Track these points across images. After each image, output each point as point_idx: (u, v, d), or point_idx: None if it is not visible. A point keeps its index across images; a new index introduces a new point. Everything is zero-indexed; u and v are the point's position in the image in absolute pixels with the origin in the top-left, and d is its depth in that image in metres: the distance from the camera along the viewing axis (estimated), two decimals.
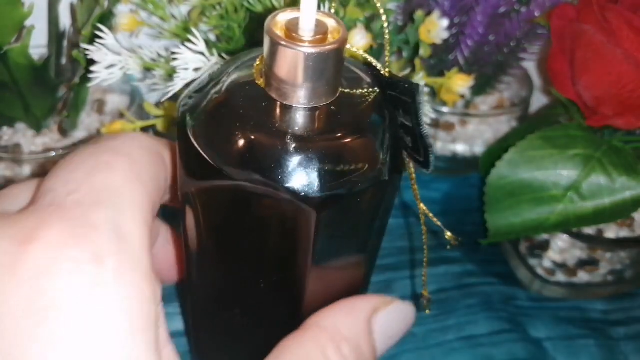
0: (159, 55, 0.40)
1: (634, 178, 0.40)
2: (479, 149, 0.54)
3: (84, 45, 0.39)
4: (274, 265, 0.25)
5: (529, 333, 0.44)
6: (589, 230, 0.44)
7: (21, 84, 0.42)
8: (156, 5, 0.41)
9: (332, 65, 0.22)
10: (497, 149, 0.44)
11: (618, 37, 0.38)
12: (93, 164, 0.22)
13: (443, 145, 0.53)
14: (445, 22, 0.42)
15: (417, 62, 0.43)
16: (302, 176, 0.21)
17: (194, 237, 0.26)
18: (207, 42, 0.42)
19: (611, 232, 0.45)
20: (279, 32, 0.21)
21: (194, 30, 0.35)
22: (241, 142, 0.22)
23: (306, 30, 0.21)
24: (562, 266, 0.46)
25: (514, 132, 0.52)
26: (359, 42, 0.38)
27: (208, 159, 0.22)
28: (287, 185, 0.21)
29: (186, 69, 0.35)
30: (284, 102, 0.22)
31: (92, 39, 0.39)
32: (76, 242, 0.18)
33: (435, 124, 0.53)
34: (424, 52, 0.43)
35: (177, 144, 0.24)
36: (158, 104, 0.41)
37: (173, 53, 0.35)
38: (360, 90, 0.24)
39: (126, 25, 0.41)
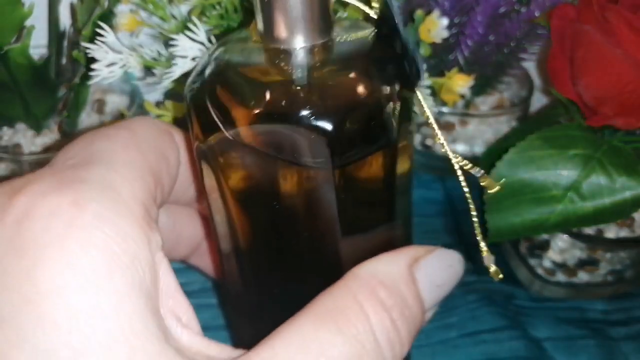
0: (159, 53, 0.40)
1: (634, 178, 0.40)
2: (479, 149, 0.54)
3: (84, 45, 0.39)
4: (303, 237, 0.25)
5: (529, 333, 0.45)
6: (589, 230, 0.44)
7: (21, 84, 0.42)
8: (156, 5, 0.41)
9: (323, 2, 0.22)
10: (497, 149, 0.44)
11: (618, 37, 0.38)
12: (95, 135, 0.23)
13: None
14: (445, 22, 0.42)
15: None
16: (311, 111, 0.22)
17: (219, 204, 0.26)
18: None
19: (611, 232, 0.45)
20: None
21: (194, 19, 0.35)
22: (250, 90, 0.23)
23: None
24: (562, 266, 0.46)
25: (513, 132, 0.52)
26: None
27: (227, 119, 0.23)
28: (300, 119, 0.22)
29: (185, 57, 0.35)
30: (282, 47, 0.23)
31: (92, 38, 0.39)
32: (58, 191, 0.19)
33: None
34: (424, 51, 0.43)
35: (189, 116, 0.24)
36: (158, 104, 0.41)
37: (171, 44, 0.35)
38: (357, 30, 0.25)
39: (126, 25, 0.42)
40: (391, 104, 0.24)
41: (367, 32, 0.25)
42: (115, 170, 0.21)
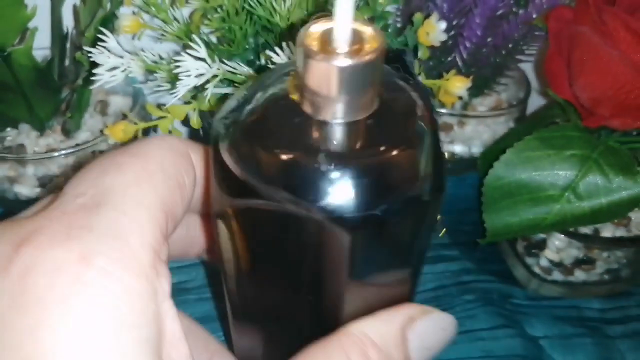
0: (161, 57, 0.40)
1: (630, 178, 0.41)
2: (476, 149, 0.54)
3: (86, 47, 0.39)
4: (310, 283, 0.25)
5: (526, 331, 0.45)
6: (586, 230, 0.45)
7: (24, 85, 0.42)
8: (158, 8, 0.41)
9: (369, 78, 0.21)
10: (495, 150, 0.44)
11: (614, 39, 0.38)
12: (106, 166, 0.22)
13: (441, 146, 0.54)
14: (443, 25, 0.42)
15: (416, 63, 0.44)
16: (334, 196, 0.20)
17: (229, 251, 0.26)
18: (209, 45, 0.42)
19: (607, 231, 0.45)
20: (313, 44, 0.20)
21: (194, 37, 0.35)
22: (273, 160, 0.21)
23: (341, 41, 0.20)
24: (558, 265, 0.46)
25: (511, 132, 0.52)
26: None
27: (241, 177, 0.22)
28: (319, 205, 0.20)
29: (188, 76, 0.35)
30: (319, 118, 0.21)
31: (95, 40, 0.39)
32: (64, 244, 0.19)
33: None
34: (422, 54, 0.44)
35: (211, 162, 0.23)
36: (160, 105, 0.42)
37: (175, 60, 0.35)
38: (399, 101, 0.23)
39: (128, 28, 0.42)
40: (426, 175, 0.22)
41: (411, 105, 0.23)
42: (125, 214, 0.20)
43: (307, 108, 0.21)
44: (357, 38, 0.20)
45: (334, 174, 0.20)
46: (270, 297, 0.27)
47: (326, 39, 0.20)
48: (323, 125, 0.21)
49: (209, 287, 0.46)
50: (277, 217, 0.22)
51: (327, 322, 0.25)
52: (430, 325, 0.24)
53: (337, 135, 0.21)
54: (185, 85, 0.35)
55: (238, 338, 0.32)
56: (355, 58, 0.20)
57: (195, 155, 0.25)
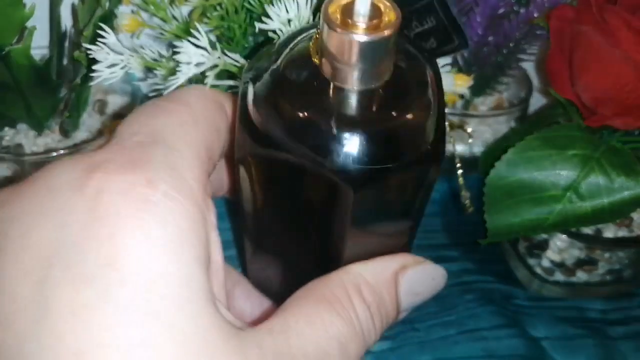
0: (160, 54, 0.40)
1: (633, 178, 0.40)
2: (478, 149, 0.54)
3: (85, 46, 0.39)
4: (317, 227, 0.28)
5: (528, 332, 0.45)
6: (588, 230, 0.45)
7: (23, 85, 0.42)
8: (157, 7, 0.41)
9: (384, 51, 0.22)
10: (496, 149, 0.44)
11: (616, 38, 0.38)
12: (154, 110, 0.25)
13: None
14: None
15: None
16: (342, 154, 0.23)
17: (248, 193, 0.28)
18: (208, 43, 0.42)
19: (610, 231, 0.45)
20: (335, 15, 0.22)
21: (197, 24, 0.35)
22: (292, 118, 0.23)
23: (360, 16, 0.21)
24: (560, 266, 0.46)
25: (512, 132, 0.52)
26: None
27: (262, 129, 0.24)
28: (329, 161, 0.23)
29: (188, 63, 0.35)
30: (336, 83, 0.23)
31: (94, 39, 0.39)
32: (132, 170, 0.21)
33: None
34: None
35: (237, 111, 0.25)
36: None
37: (174, 51, 0.35)
38: (411, 70, 0.25)
39: (127, 26, 0.42)
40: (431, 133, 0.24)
41: (421, 73, 0.25)
42: (176, 150, 0.23)
43: (326, 73, 0.23)
44: (375, 12, 0.22)
45: (344, 135, 0.23)
46: (282, 234, 0.30)
47: (348, 10, 0.22)
48: (339, 90, 0.23)
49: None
50: (292, 167, 0.24)
51: (331, 260, 0.28)
52: (421, 273, 0.27)
53: (351, 101, 0.23)
54: (185, 73, 0.35)
55: (253, 267, 0.35)
56: (373, 33, 0.21)
57: (228, 104, 0.27)
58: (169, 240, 0.20)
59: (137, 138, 0.23)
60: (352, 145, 0.23)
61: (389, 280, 0.26)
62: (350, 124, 0.23)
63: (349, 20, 0.22)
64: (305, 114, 0.23)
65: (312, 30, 0.25)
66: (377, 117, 0.24)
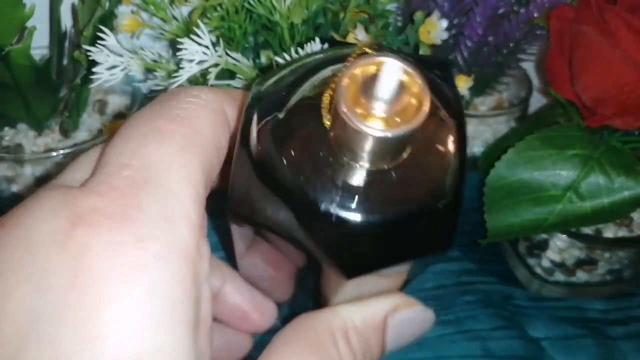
0: (160, 55, 0.40)
1: (633, 178, 0.40)
2: (478, 149, 0.54)
3: (85, 46, 0.39)
4: (306, 276, 0.26)
5: (528, 332, 0.45)
6: (588, 230, 0.44)
7: (23, 85, 0.42)
8: (157, 7, 0.41)
9: (405, 141, 0.20)
10: (496, 149, 0.44)
11: (616, 38, 0.38)
12: (146, 132, 0.22)
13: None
14: (444, 23, 0.42)
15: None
16: (338, 239, 0.20)
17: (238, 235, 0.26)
18: None
19: (610, 231, 0.45)
20: (351, 92, 0.19)
21: (200, 22, 0.35)
22: (289, 192, 0.21)
23: (382, 102, 0.19)
24: (560, 266, 0.46)
25: (512, 132, 0.52)
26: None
27: (261, 187, 0.21)
28: (323, 242, 0.20)
29: (191, 61, 0.35)
30: (344, 159, 0.20)
31: (94, 39, 0.39)
32: (121, 225, 0.19)
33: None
34: (423, 52, 0.44)
35: (239, 134, 0.23)
36: None
37: (177, 48, 0.35)
38: (433, 138, 0.22)
39: (127, 26, 0.42)
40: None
41: (446, 146, 0.22)
42: (172, 193, 0.21)
43: (334, 144, 0.20)
44: (401, 91, 0.19)
45: (344, 219, 0.20)
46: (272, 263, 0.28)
47: (367, 88, 0.19)
48: (345, 166, 0.20)
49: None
50: (282, 232, 0.21)
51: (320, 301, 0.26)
52: (410, 317, 0.25)
53: (357, 181, 0.20)
54: (187, 71, 0.35)
55: (243, 268, 0.33)
56: (394, 127, 0.18)
57: (231, 109, 0.25)
58: (158, 310, 0.19)
59: (127, 173, 0.20)
60: (351, 231, 0.20)
61: (378, 325, 0.24)
62: (353, 208, 0.20)
63: (368, 103, 0.19)
64: (305, 184, 0.20)
65: (336, 67, 0.22)
66: (384, 202, 0.20)
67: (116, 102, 0.50)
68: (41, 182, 0.45)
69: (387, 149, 0.19)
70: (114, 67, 0.37)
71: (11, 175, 0.45)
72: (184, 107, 0.23)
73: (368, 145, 0.19)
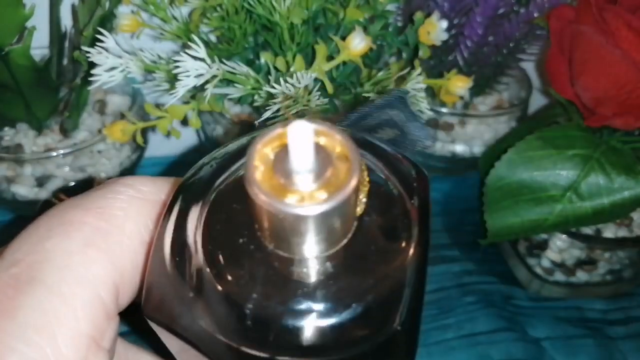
0: (160, 57, 0.40)
1: (633, 178, 0.40)
2: (478, 149, 0.54)
3: (85, 47, 0.39)
4: None
5: (528, 333, 0.45)
6: (588, 230, 0.44)
7: (22, 85, 0.42)
8: (157, 7, 0.41)
9: (342, 212, 0.16)
10: (496, 150, 0.44)
11: (616, 38, 0.38)
12: (54, 224, 0.19)
13: (442, 145, 0.54)
14: (444, 24, 0.42)
15: (417, 63, 0.44)
16: (271, 342, 0.17)
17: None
18: (208, 44, 0.42)
19: (610, 231, 0.45)
20: (262, 171, 0.16)
21: (194, 37, 0.35)
22: (212, 292, 0.17)
23: (301, 175, 0.15)
24: (560, 266, 0.46)
25: (512, 132, 0.52)
26: (357, 45, 0.38)
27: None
28: (254, 348, 0.17)
29: (187, 76, 0.35)
30: (274, 251, 0.17)
31: (94, 40, 0.39)
32: None
33: (435, 124, 0.53)
34: (423, 53, 0.44)
35: (162, 218, 0.19)
36: (159, 105, 0.41)
37: (175, 61, 0.35)
38: (381, 219, 0.18)
39: (127, 27, 0.42)
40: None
41: (395, 220, 0.19)
42: (59, 295, 0.18)
43: (261, 236, 0.17)
44: (323, 159, 0.15)
45: (289, 326, 0.17)
46: None
47: (282, 164, 0.15)
48: (278, 259, 0.17)
49: None
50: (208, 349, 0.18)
51: None
52: None
53: (292, 273, 0.17)
54: (184, 86, 0.35)
55: None
56: (322, 199, 0.15)
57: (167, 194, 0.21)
58: None
59: (14, 270, 0.18)
60: (298, 338, 0.17)
61: None
62: (296, 310, 0.17)
63: (283, 181, 0.15)
64: (226, 283, 0.17)
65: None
66: (325, 295, 0.17)
67: (116, 102, 0.50)
68: (41, 182, 0.45)
69: (321, 229, 0.16)
70: (113, 68, 0.37)
71: (11, 175, 0.45)
72: (109, 197, 0.20)
73: (296, 230, 0.16)
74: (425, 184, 0.20)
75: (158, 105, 0.40)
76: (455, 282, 0.47)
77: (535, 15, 0.46)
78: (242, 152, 0.19)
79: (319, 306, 0.17)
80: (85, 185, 0.42)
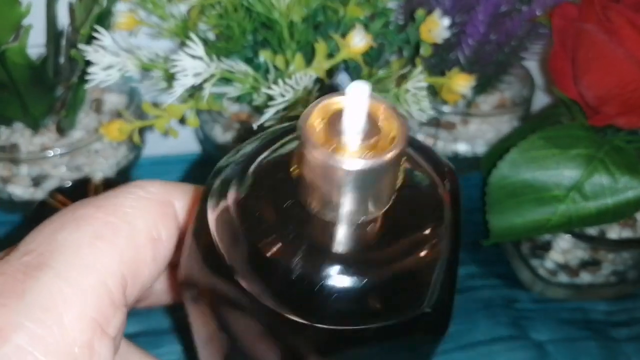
0: (157, 55, 0.39)
1: (637, 178, 0.40)
2: (480, 148, 0.53)
3: (81, 45, 0.38)
4: None
5: (531, 336, 0.44)
6: (591, 231, 0.44)
7: (19, 84, 0.42)
8: (155, 4, 0.40)
9: (384, 176, 0.17)
10: (499, 149, 0.44)
11: (620, 36, 0.37)
12: (66, 219, 0.20)
13: (444, 144, 0.53)
14: (446, 21, 0.42)
15: (418, 61, 0.43)
16: (310, 306, 0.18)
17: (199, 328, 0.23)
18: (206, 42, 0.42)
19: (613, 232, 0.44)
20: (317, 130, 0.17)
21: (192, 35, 0.34)
22: (256, 253, 0.18)
23: (353, 134, 0.16)
24: (564, 267, 0.45)
25: (515, 131, 0.51)
26: (358, 43, 0.38)
27: (221, 256, 0.19)
28: (293, 312, 0.18)
29: (185, 75, 0.34)
30: (315, 213, 0.18)
31: (91, 38, 0.38)
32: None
33: (437, 123, 0.52)
34: (424, 51, 0.43)
35: (194, 219, 0.20)
36: (157, 103, 0.41)
37: (173, 60, 0.35)
38: (419, 193, 0.19)
39: (124, 24, 0.41)
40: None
41: (431, 204, 0.19)
42: (67, 280, 0.19)
43: (304, 198, 0.18)
44: (372, 126, 0.17)
45: (321, 286, 0.17)
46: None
47: (334, 124, 0.16)
48: (320, 223, 0.18)
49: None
50: (251, 314, 0.19)
51: None
52: None
53: (334, 240, 0.18)
54: (182, 85, 0.34)
55: None
56: (368, 158, 0.16)
57: (180, 202, 0.23)
58: None
59: (26, 258, 0.19)
60: (321, 296, 0.17)
61: None
62: (330, 271, 0.17)
63: (336, 139, 0.16)
64: (273, 252, 0.18)
65: (292, 135, 0.20)
66: (361, 261, 0.18)
67: (113, 101, 0.50)
68: (37, 182, 0.45)
69: (364, 190, 0.17)
70: (110, 67, 0.37)
71: (7, 175, 0.45)
72: (120, 196, 0.21)
73: (341, 186, 0.16)
74: (453, 173, 0.20)
75: (156, 104, 0.40)
76: (458, 287, 0.47)
77: (538, 13, 0.46)
78: (260, 149, 0.20)
79: (356, 273, 0.17)
80: (82, 185, 0.42)
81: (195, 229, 0.20)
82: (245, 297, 0.18)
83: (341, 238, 0.18)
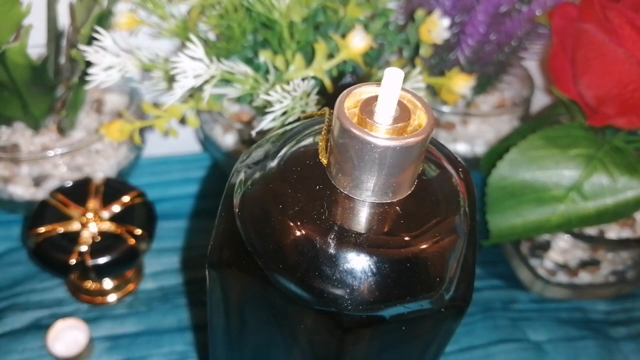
0: (157, 55, 0.39)
1: (636, 178, 0.40)
2: (480, 148, 0.53)
3: (82, 45, 0.38)
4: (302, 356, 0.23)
5: (529, 336, 0.44)
6: (591, 231, 0.44)
7: (19, 84, 0.42)
8: (155, 4, 0.40)
9: (411, 159, 0.18)
10: (499, 149, 0.44)
11: (619, 37, 0.37)
12: None
13: (444, 144, 0.53)
14: (446, 22, 0.42)
15: (418, 61, 0.43)
16: (336, 284, 0.18)
17: (219, 302, 0.24)
18: (206, 42, 0.42)
19: (613, 232, 0.44)
20: (352, 114, 0.18)
21: (192, 36, 0.34)
22: (283, 234, 0.19)
23: (385, 117, 0.18)
24: (563, 267, 0.45)
25: (515, 131, 0.51)
26: (358, 43, 0.38)
27: (246, 240, 0.20)
28: (318, 288, 0.18)
29: (185, 77, 0.34)
30: (345, 192, 0.19)
31: (91, 38, 0.38)
32: None
33: (436, 123, 0.52)
34: (424, 51, 0.43)
35: (222, 202, 0.21)
36: (157, 104, 0.41)
37: (172, 66, 0.35)
38: (437, 182, 0.20)
39: (125, 24, 0.41)
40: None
41: (451, 191, 0.21)
42: None
43: (334, 179, 0.19)
44: (403, 113, 0.18)
45: (345, 263, 0.18)
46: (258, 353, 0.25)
47: (368, 107, 0.18)
48: (347, 201, 0.19)
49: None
50: (274, 294, 0.19)
51: None
52: None
53: (360, 218, 0.19)
54: (182, 87, 0.34)
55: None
56: (398, 139, 0.17)
57: None
58: None
59: None
60: (352, 276, 0.18)
61: None
62: (354, 248, 0.18)
63: (369, 120, 0.18)
64: (300, 230, 0.19)
65: (320, 125, 0.21)
66: (386, 242, 0.19)
67: (114, 101, 0.50)
68: (38, 182, 0.45)
69: (393, 168, 0.18)
70: (110, 68, 0.37)
71: (7, 175, 0.45)
72: None
73: (372, 163, 0.18)
74: (465, 168, 0.22)
75: (156, 105, 0.40)
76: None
77: (538, 13, 0.46)
78: (300, 131, 0.22)
79: (383, 253, 0.19)
80: (83, 185, 0.42)
81: (222, 218, 0.21)
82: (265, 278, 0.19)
83: (370, 217, 0.19)
